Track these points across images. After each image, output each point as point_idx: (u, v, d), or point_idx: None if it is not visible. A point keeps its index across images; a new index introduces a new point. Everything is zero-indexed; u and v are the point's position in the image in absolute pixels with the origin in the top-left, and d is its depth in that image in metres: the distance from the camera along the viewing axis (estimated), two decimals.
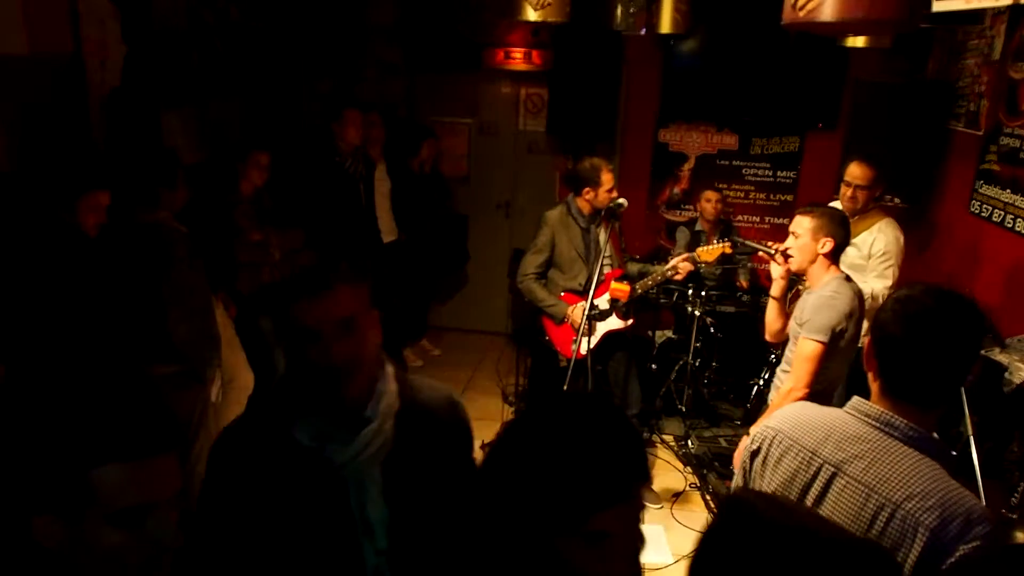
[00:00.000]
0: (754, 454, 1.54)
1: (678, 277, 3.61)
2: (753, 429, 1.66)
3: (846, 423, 1.41)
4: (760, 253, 2.99)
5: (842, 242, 2.63)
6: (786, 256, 2.69)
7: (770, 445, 1.50)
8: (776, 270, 2.79)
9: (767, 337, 2.97)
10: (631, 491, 1.03)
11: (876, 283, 3.46)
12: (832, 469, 1.38)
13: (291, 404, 1.38)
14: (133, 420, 1.01)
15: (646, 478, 1.05)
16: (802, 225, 2.63)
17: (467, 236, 5.74)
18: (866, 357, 1.41)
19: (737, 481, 1.61)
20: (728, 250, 3.55)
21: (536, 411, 1.17)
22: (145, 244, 2.80)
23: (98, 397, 1.00)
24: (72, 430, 0.97)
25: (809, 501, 1.41)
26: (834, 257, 2.63)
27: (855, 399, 1.44)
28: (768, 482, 1.48)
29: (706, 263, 3.66)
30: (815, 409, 1.52)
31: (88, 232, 2.58)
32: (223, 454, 1.43)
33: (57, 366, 2.34)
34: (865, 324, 3.56)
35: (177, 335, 2.85)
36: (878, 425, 1.37)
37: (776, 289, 2.82)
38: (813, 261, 2.62)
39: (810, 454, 1.42)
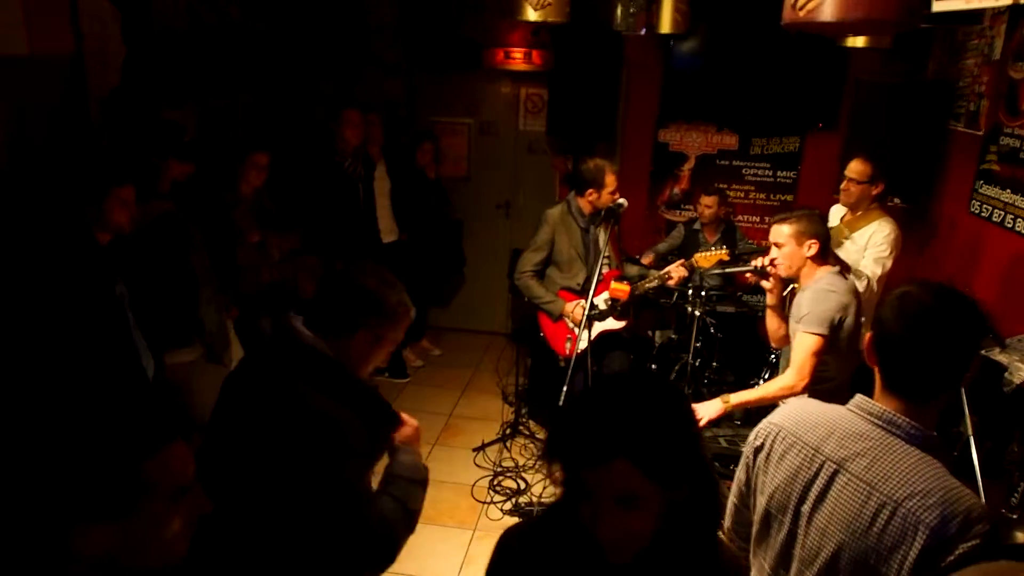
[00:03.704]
0: (757, 450, 1.55)
1: (671, 283, 3.62)
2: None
3: (849, 421, 1.42)
4: (748, 275, 3.00)
5: (825, 239, 2.64)
6: (774, 266, 2.71)
7: (773, 441, 1.51)
8: (765, 283, 2.81)
9: (772, 344, 2.99)
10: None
11: (871, 265, 3.49)
12: (834, 466, 1.38)
13: None
14: (154, 411, 1.03)
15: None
16: (782, 234, 2.64)
17: (462, 239, 5.73)
18: (867, 352, 1.42)
19: (739, 476, 1.62)
20: (726, 257, 3.57)
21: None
22: (164, 233, 2.84)
23: (127, 395, 1.03)
24: (116, 429, 0.98)
25: (811, 498, 1.41)
26: (822, 255, 2.65)
27: (858, 397, 1.44)
28: (771, 478, 1.49)
29: (703, 269, 3.67)
30: (818, 406, 1.52)
31: (123, 228, 2.58)
32: None
33: (72, 371, 2.35)
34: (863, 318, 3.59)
35: (208, 317, 2.93)
36: (880, 423, 1.37)
37: (771, 299, 2.84)
38: (803, 266, 2.64)
39: (813, 451, 1.42)
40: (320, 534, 1.50)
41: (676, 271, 3.58)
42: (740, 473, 1.61)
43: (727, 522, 1.72)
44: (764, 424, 1.56)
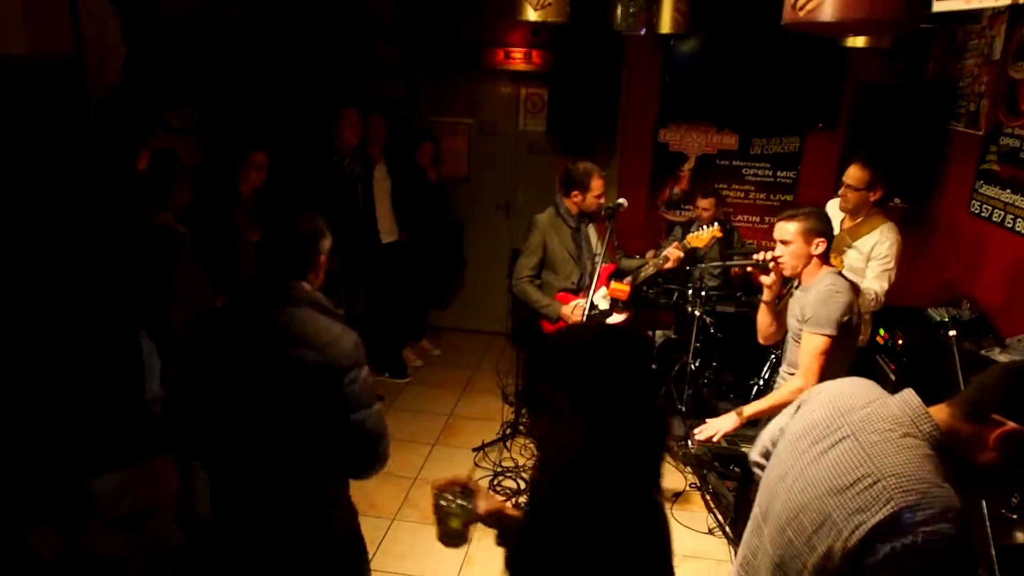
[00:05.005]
0: (801, 404, 1.64)
1: (669, 265, 3.64)
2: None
3: (886, 405, 1.46)
4: (749, 268, 2.96)
5: (831, 238, 2.63)
6: (777, 263, 2.67)
7: (813, 398, 1.61)
8: (765, 279, 2.76)
9: (760, 340, 2.97)
10: None
11: (874, 284, 3.48)
12: (848, 431, 1.44)
13: None
14: (125, 425, 1.00)
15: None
16: (789, 231, 2.60)
17: (463, 242, 5.74)
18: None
19: (779, 420, 1.71)
20: (719, 233, 3.58)
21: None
22: (149, 246, 2.81)
23: (90, 405, 0.99)
24: (67, 439, 0.96)
25: (814, 450, 1.48)
26: (826, 256, 2.63)
27: (908, 391, 1.48)
28: (794, 422, 1.59)
29: (697, 247, 3.69)
30: (872, 387, 1.57)
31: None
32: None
33: (50, 371, 2.33)
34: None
35: (179, 338, 2.86)
36: (911, 416, 1.41)
37: (768, 295, 2.81)
38: (807, 264, 2.61)
39: (839, 415, 1.49)
40: (346, 434, 1.88)
41: (672, 253, 3.61)
42: (781, 418, 1.72)
43: (752, 454, 1.83)
44: (816, 387, 1.65)
